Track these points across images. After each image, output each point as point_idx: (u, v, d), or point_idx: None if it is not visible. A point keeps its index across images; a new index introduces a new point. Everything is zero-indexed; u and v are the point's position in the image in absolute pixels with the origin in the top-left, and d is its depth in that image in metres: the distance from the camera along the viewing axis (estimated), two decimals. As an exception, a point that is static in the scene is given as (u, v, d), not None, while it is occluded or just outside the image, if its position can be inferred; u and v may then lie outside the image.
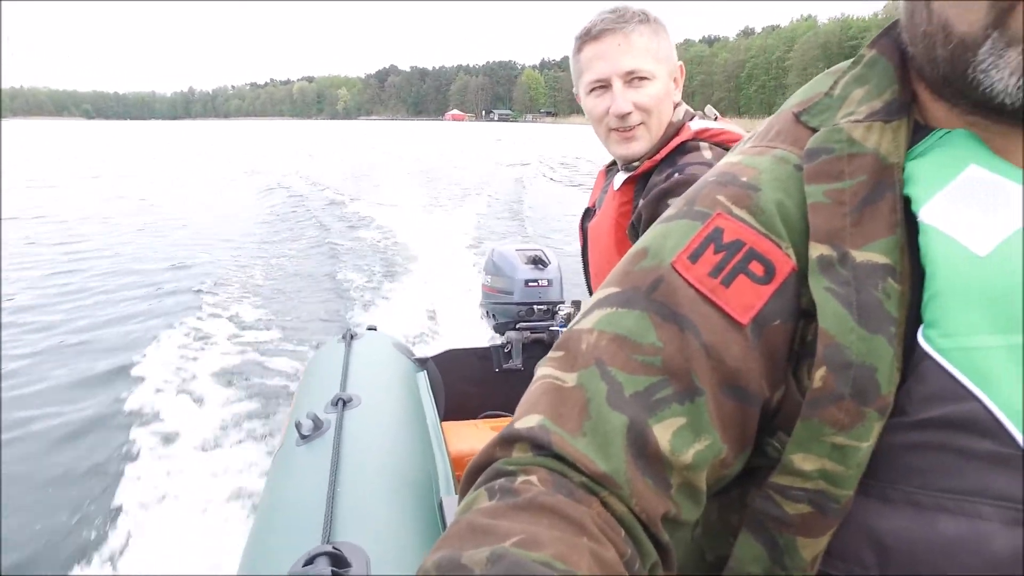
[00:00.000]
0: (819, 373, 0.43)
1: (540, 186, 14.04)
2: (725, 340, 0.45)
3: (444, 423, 1.94)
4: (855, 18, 78.10)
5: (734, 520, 0.51)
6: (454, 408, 2.25)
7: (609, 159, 1.36)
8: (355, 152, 24.85)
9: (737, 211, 0.48)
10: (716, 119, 1.24)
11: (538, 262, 2.27)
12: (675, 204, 0.53)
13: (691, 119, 1.22)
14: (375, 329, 2.45)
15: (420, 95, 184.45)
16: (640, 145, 1.20)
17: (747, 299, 0.45)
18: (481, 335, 4.47)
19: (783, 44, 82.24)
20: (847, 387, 0.42)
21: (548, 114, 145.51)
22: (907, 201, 0.45)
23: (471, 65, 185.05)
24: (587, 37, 1.19)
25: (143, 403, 3.42)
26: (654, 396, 0.44)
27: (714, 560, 0.53)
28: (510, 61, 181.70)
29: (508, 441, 0.45)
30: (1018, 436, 0.38)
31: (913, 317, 0.43)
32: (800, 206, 0.47)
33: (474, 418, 2.29)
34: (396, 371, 1.96)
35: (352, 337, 2.23)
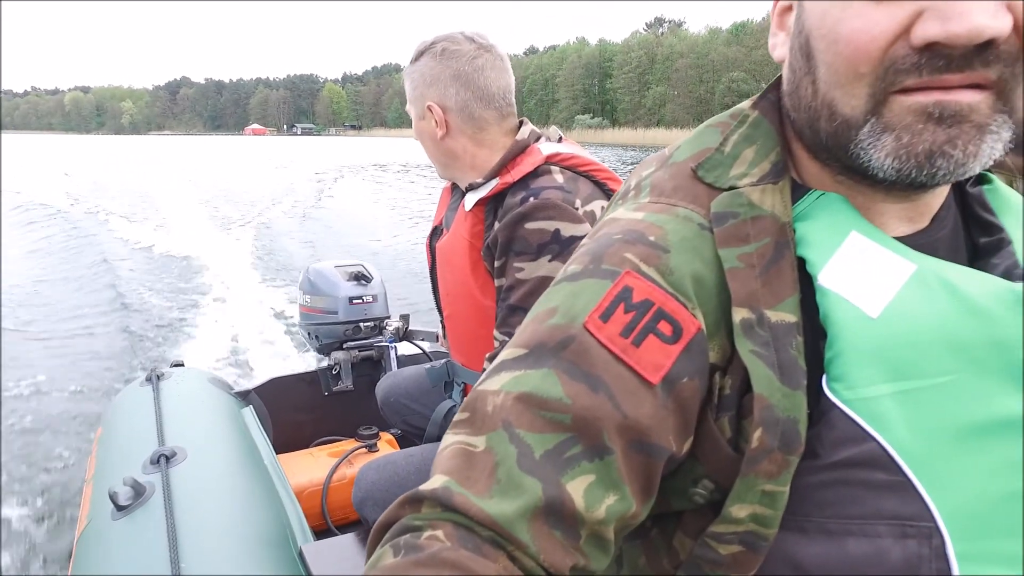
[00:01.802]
0: (756, 434, 0.44)
1: (339, 195, 13.46)
2: (637, 399, 0.45)
3: (278, 457, 1.74)
4: (610, 42, 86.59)
5: (664, 562, 0.52)
6: (285, 439, 2.04)
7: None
8: (139, 172, 21.17)
9: (646, 269, 0.47)
10: (560, 140, 1.22)
11: (361, 278, 2.12)
12: (577, 260, 0.50)
13: (537, 140, 1.19)
14: (182, 365, 2.13)
15: (218, 109, 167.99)
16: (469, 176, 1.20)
17: (657, 359, 0.45)
18: (295, 357, 4.11)
19: (556, 63, 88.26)
20: (776, 441, 0.44)
21: (352, 127, 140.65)
22: (799, 260, 0.48)
23: (271, 78, 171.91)
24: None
25: None
26: (564, 454, 0.43)
27: None
28: (312, 75, 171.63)
29: (414, 501, 0.43)
30: (904, 466, 0.43)
31: (808, 366, 0.46)
32: (711, 267, 0.48)
33: (307, 447, 2.10)
34: (218, 411, 1.71)
35: (159, 378, 1.92)
